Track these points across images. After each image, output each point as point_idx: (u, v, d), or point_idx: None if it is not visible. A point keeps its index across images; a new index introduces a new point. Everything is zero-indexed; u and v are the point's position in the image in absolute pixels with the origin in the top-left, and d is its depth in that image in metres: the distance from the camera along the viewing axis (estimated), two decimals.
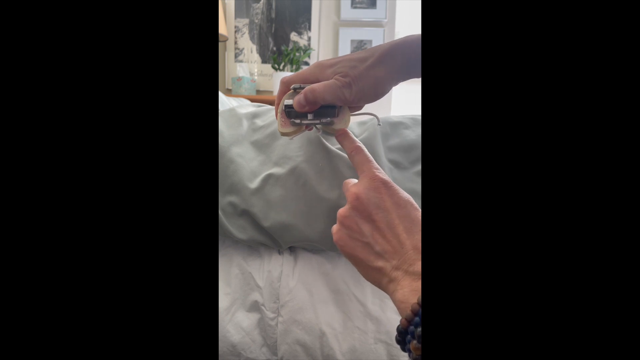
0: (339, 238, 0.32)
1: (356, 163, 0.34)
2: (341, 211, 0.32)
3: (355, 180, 0.35)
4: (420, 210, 0.31)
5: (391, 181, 0.32)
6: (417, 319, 0.25)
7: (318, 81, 0.36)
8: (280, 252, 0.52)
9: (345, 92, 0.34)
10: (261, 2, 2.09)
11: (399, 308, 0.28)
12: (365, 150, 0.35)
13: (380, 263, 0.30)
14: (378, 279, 0.30)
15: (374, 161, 0.34)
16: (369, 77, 0.34)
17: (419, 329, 0.24)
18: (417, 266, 0.27)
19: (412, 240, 0.29)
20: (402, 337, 0.26)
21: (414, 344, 0.24)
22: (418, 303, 0.25)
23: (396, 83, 0.35)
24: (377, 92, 0.35)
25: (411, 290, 0.27)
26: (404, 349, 0.26)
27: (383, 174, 0.32)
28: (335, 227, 0.33)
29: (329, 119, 0.36)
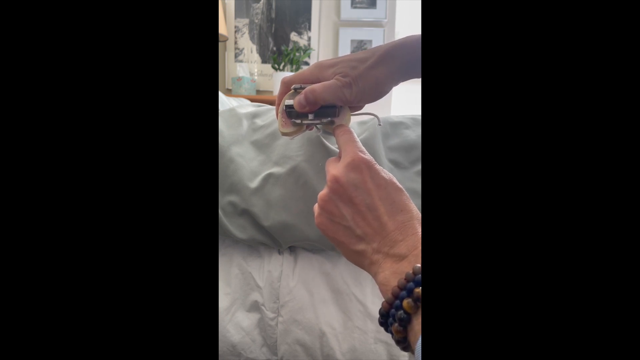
0: (320, 222, 0.32)
1: (340, 143, 0.34)
2: (321, 195, 0.32)
3: (337, 159, 0.34)
4: (402, 189, 0.30)
5: (374, 161, 0.31)
6: (397, 302, 0.25)
7: (318, 81, 0.36)
8: (280, 252, 0.52)
9: (346, 92, 0.34)
10: (261, 2, 2.09)
11: (380, 290, 0.28)
12: (354, 133, 0.34)
13: (361, 246, 0.29)
14: (360, 261, 0.30)
15: (359, 142, 0.33)
16: (369, 77, 0.34)
17: (400, 312, 0.24)
18: (398, 248, 0.27)
19: (393, 222, 0.28)
20: (385, 319, 0.26)
21: (395, 326, 0.24)
22: (399, 286, 0.25)
23: (396, 83, 0.35)
24: (378, 92, 0.35)
25: (392, 272, 0.27)
26: (387, 331, 0.26)
27: (366, 154, 0.31)
28: (316, 210, 0.33)
29: (329, 119, 0.36)
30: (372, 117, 0.47)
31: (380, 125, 0.49)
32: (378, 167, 0.31)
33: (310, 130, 0.43)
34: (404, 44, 0.34)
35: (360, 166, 0.30)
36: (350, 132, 0.34)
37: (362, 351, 0.48)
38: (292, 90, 0.38)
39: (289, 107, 0.37)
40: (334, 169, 0.31)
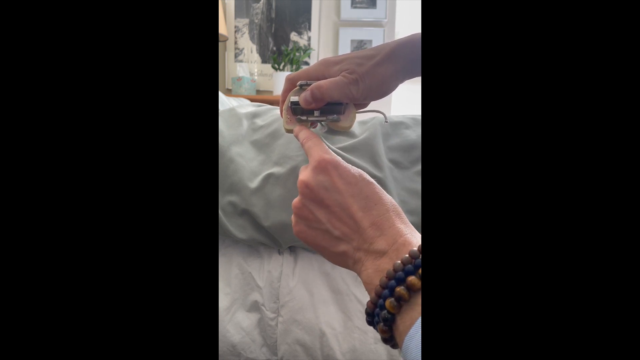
0: (298, 230, 0.32)
1: (307, 150, 0.34)
2: (294, 202, 0.32)
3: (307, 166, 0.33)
4: (373, 182, 0.30)
5: (341, 161, 0.31)
6: (380, 301, 0.24)
7: (324, 78, 0.36)
8: (280, 252, 0.52)
9: (352, 89, 0.34)
10: (261, 2, 2.09)
11: (366, 289, 0.27)
12: (318, 136, 0.34)
13: (342, 247, 0.29)
14: (344, 262, 0.30)
15: (324, 144, 0.33)
16: (376, 74, 0.34)
17: (384, 312, 0.24)
18: (377, 244, 0.27)
19: (368, 218, 0.28)
20: (371, 318, 0.26)
21: (381, 326, 0.24)
22: (381, 285, 0.25)
23: (402, 81, 0.36)
24: (384, 89, 0.35)
25: (374, 270, 0.26)
26: (375, 329, 0.26)
27: (332, 155, 0.31)
28: (293, 220, 0.33)
29: (335, 115, 0.36)
30: (373, 117, 0.47)
31: (387, 122, 0.49)
32: (345, 164, 0.31)
33: (314, 127, 0.44)
34: (410, 41, 0.34)
35: (326, 167, 0.30)
36: (314, 137, 0.34)
37: (362, 351, 0.48)
38: (298, 87, 0.38)
39: (294, 104, 0.37)
40: (302, 174, 0.31)
